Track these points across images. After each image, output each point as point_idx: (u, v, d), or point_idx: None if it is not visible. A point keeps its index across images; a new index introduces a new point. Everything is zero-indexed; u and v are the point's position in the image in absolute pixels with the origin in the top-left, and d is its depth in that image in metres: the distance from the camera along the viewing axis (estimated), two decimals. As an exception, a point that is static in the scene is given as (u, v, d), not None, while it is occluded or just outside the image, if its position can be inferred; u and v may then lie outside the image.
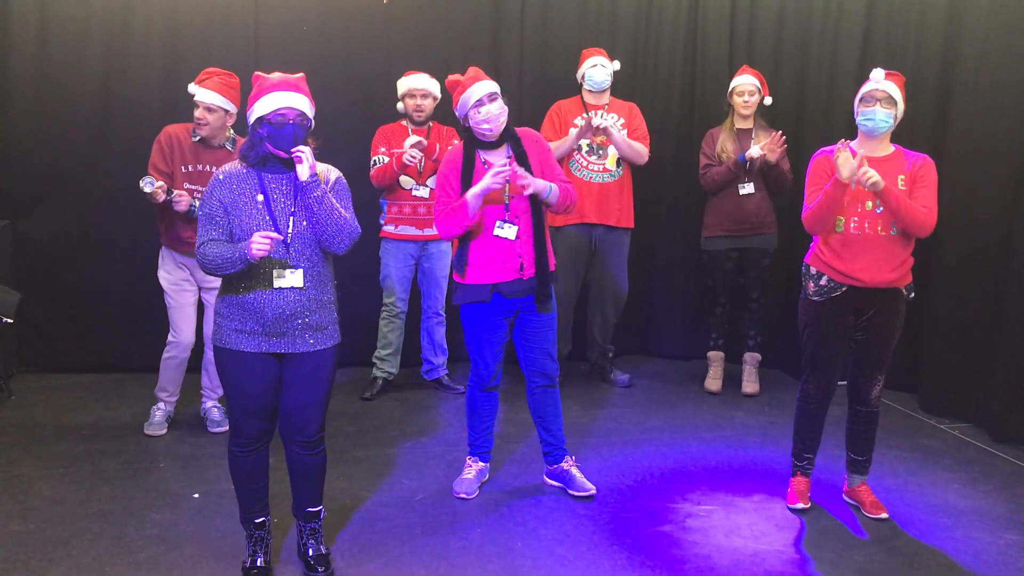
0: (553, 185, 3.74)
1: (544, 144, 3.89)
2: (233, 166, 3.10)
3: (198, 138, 4.35)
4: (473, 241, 3.77)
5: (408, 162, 4.84)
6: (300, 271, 3.04)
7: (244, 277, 3.03)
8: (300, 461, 3.23)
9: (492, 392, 3.98)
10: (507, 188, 3.73)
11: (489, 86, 3.71)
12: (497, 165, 3.67)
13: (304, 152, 2.98)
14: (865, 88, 3.57)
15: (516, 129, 3.85)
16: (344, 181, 3.21)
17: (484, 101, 3.68)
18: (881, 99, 3.52)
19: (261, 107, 3.02)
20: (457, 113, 3.79)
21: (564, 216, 4.91)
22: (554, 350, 3.94)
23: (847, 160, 3.44)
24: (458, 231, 3.72)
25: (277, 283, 3.02)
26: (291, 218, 3.04)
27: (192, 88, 4.31)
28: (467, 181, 3.72)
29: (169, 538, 3.48)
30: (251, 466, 3.19)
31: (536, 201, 3.74)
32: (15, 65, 5.24)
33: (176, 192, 4.22)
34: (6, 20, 5.19)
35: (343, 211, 3.09)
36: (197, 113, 4.26)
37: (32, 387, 5.24)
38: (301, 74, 3.16)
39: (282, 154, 3.02)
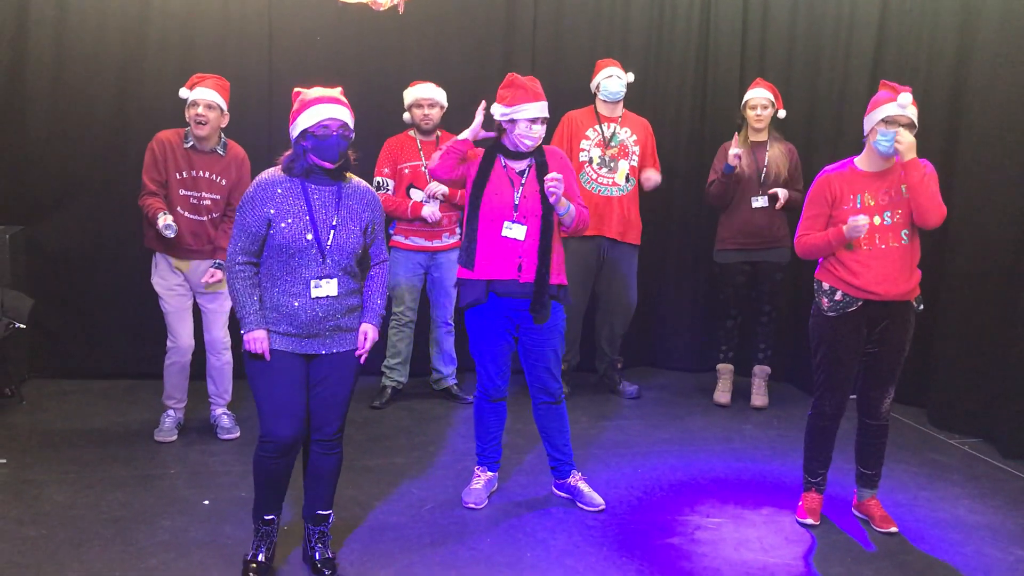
0: (572, 206, 3.77)
1: (568, 165, 3.91)
2: (274, 174, 3.17)
3: (190, 144, 4.39)
4: (481, 238, 3.79)
5: (429, 217, 4.97)
6: (335, 280, 3.14)
7: (280, 284, 3.12)
8: (316, 460, 3.28)
9: (499, 403, 3.97)
10: (519, 189, 3.77)
11: (545, 109, 3.77)
12: (548, 180, 3.69)
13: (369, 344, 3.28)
14: (889, 111, 3.53)
15: (547, 149, 3.89)
16: (382, 208, 3.33)
17: (538, 121, 3.75)
18: (904, 125, 3.54)
19: (305, 120, 3.10)
20: (502, 112, 3.77)
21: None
22: (557, 368, 3.92)
23: (861, 231, 3.53)
24: (449, 157, 3.78)
25: (315, 292, 3.11)
26: (332, 231, 3.13)
27: (185, 92, 4.38)
28: (483, 176, 3.79)
29: (179, 545, 3.49)
30: (276, 473, 3.21)
31: (548, 208, 3.75)
32: (32, 73, 5.28)
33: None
34: (24, 29, 5.24)
35: (384, 282, 3.36)
36: (198, 111, 4.31)
37: (44, 392, 5.27)
38: (339, 87, 3.24)
39: (327, 165, 3.12)
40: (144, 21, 5.34)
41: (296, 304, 3.11)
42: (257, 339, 3.11)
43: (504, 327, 3.84)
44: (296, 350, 3.15)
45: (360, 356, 3.26)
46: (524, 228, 3.75)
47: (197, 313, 4.63)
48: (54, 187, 5.39)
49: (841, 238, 3.57)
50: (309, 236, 3.10)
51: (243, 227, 3.13)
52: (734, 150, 5.09)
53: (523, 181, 3.79)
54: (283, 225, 3.09)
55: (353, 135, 3.18)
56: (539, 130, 3.76)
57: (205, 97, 4.31)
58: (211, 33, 5.43)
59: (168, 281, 4.51)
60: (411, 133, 5.14)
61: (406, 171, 5.05)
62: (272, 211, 3.10)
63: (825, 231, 3.66)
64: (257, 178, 3.18)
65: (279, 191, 3.12)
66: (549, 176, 3.67)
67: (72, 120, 5.35)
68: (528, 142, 3.75)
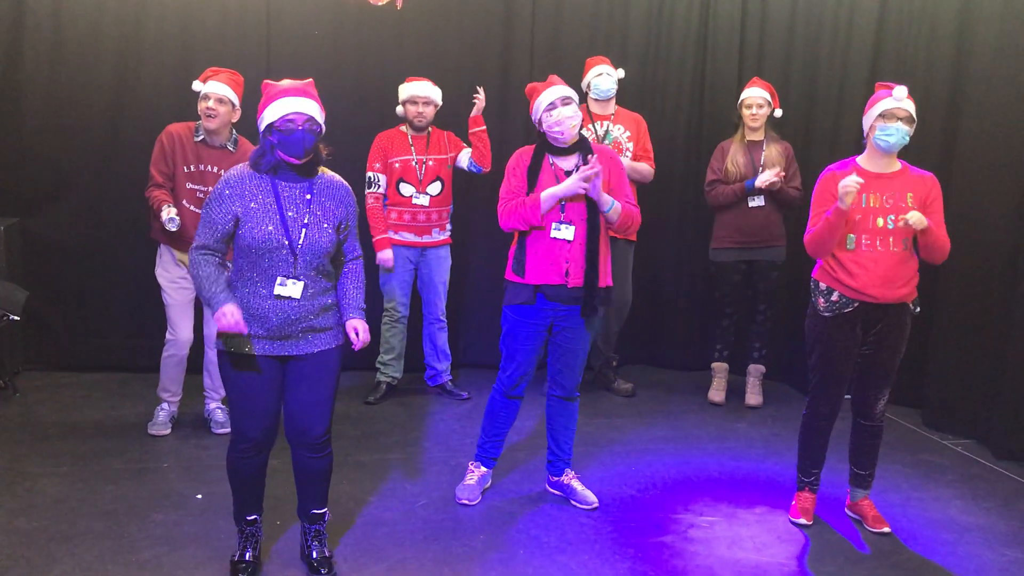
0: (616, 202, 3.71)
1: (618, 162, 3.85)
2: (243, 169, 3.07)
3: (201, 137, 4.38)
4: (530, 242, 3.76)
5: (381, 264, 5.05)
6: (302, 283, 3.04)
7: (249, 283, 3.05)
8: (306, 464, 3.23)
9: (514, 400, 3.96)
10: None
11: (563, 90, 3.72)
12: (584, 168, 3.63)
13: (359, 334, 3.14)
14: (886, 106, 3.54)
15: (594, 146, 3.83)
16: (355, 203, 3.22)
17: (556, 104, 3.69)
18: (902, 118, 3.53)
19: (270, 114, 3.00)
20: (532, 117, 3.80)
21: None
22: (581, 367, 3.93)
23: (851, 188, 3.46)
24: (521, 227, 3.73)
25: (277, 290, 3.02)
26: (303, 229, 3.04)
27: (198, 85, 4.36)
28: (532, 181, 3.73)
29: (172, 538, 3.49)
30: (250, 472, 3.19)
31: (594, 210, 3.70)
32: (28, 65, 5.26)
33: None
34: (20, 20, 5.22)
35: (361, 276, 3.24)
36: (209, 104, 4.30)
37: (37, 385, 5.26)
38: (309, 79, 3.15)
39: (294, 160, 3.02)
40: (141, 14, 5.32)
41: (267, 305, 3.03)
42: (228, 312, 2.93)
43: (540, 329, 3.81)
44: (268, 353, 3.07)
45: (355, 348, 3.15)
46: (572, 228, 3.70)
47: (198, 307, 4.62)
48: (50, 179, 5.37)
49: (838, 210, 3.52)
50: (280, 236, 3.00)
51: (209, 222, 3.03)
52: (769, 177, 5.06)
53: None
54: (251, 224, 2.99)
55: (321, 128, 3.06)
56: (561, 112, 3.67)
57: (216, 91, 4.29)
58: (209, 26, 5.41)
59: (171, 274, 4.51)
60: (403, 128, 5.13)
61: (396, 165, 5.04)
62: (240, 209, 3.00)
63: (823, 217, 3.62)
64: (226, 174, 3.08)
65: (248, 188, 3.02)
66: (580, 171, 3.62)
67: (68, 112, 5.33)
68: (558, 128, 3.69)
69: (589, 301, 3.73)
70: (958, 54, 5.16)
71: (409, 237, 5.12)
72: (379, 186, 5.04)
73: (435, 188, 5.09)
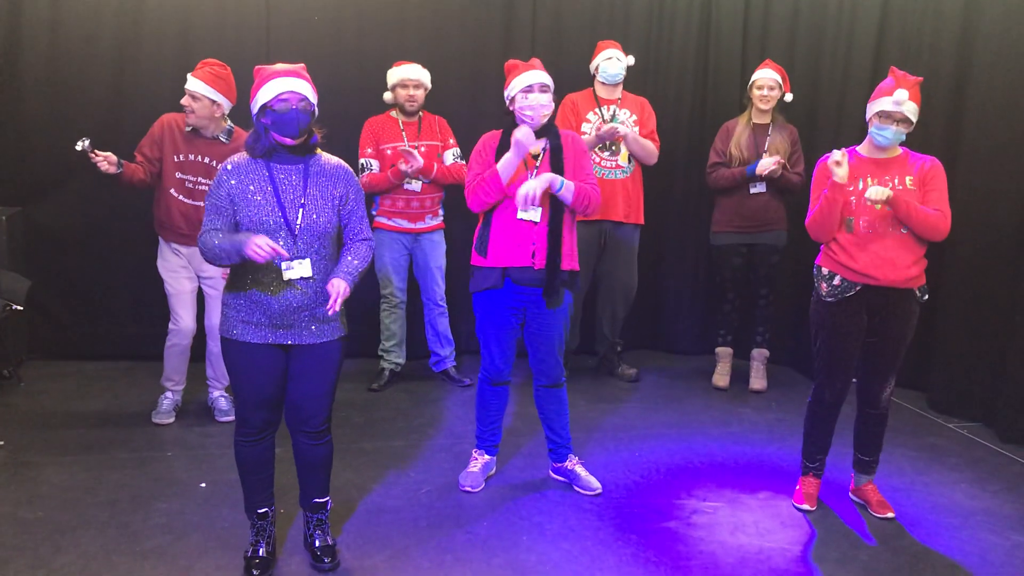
0: (567, 181, 3.68)
1: (582, 148, 3.84)
2: (241, 157, 3.08)
3: (191, 128, 4.36)
4: (495, 222, 3.75)
5: (404, 170, 4.87)
6: (308, 261, 3.03)
7: (252, 269, 3.03)
8: (306, 451, 3.24)
9: (502, 387, 3.97)
10: (533, 171, 3.70)
11: (543, 76, 3.71)
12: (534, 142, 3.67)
13: (337, 297, 2.98)
14: (884, 106, 3.53)
15: (560, 131, 3.82)
16: (357, 182, 3.19)
17: (534, 88, 3.68)
18: (899, 120, 3.53)
19: (263, 95, 2.99)
20: (505, 95, 3.78)
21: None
22: (560, 353, 3.91)
23: (837, 157, 3.52)
24: (490, 199, 3.70)
25: (287, 275, 3.01)
26: (300, 209, 3.03)
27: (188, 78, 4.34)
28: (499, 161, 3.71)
29: (176, 527, 3.50)
30: (256, 456, 3.20)
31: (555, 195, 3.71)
32: (27, 54, 5.26)
33: (103, 156, 4.30)
34: (18, 10, 5.20)
35: (365, 255, 3.15)
36: (183, 100, 4.29)
37: (41, 374, 5.27)
38: (301, 63, 3.14)
39: (288, 141, 3.01)
40: (140, 2, 5.30)
41: (270, 291, 3.02)
42: (256, 246, 2.83)
43: (512, 312, 3.81)
44: (271, 341, 3.06)
45: (328, 310, 2.99)
46: (539, 210, 3.69)
47: (200, 297, 4.62)
48: (52, 168, 5.37)
49: (834, 185, 3.54)
50: (278, 218, 2.99)
51: (212, 208, 3.02)
52: (769, 164, 5.03)
53: (537, 164, 3.74)
54: (249, 208, 2.99)
55: (315, 109, 3.05)
56: (536, 98, 3.68)
57: (189, 87, 4.26)
58: (208, 14, 5.39)
59: (171, 263, 4.51)
60: (393, 114, 5.10)
61: (388, 152, 5.01)
62: (238, 193, 3.00)
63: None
64: (225, 163, 3.08)
65: (245, 174, 3.01)
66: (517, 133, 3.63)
67: (69, 100, 5.32)
68: (529, 112, 3.68)
69: (551, 283, 3.71)
70: (963, 37, 5.09)
71: (403, 223, 5.10)
72: (371, 170, 5.01)
73: (470, 158, 5.06)
